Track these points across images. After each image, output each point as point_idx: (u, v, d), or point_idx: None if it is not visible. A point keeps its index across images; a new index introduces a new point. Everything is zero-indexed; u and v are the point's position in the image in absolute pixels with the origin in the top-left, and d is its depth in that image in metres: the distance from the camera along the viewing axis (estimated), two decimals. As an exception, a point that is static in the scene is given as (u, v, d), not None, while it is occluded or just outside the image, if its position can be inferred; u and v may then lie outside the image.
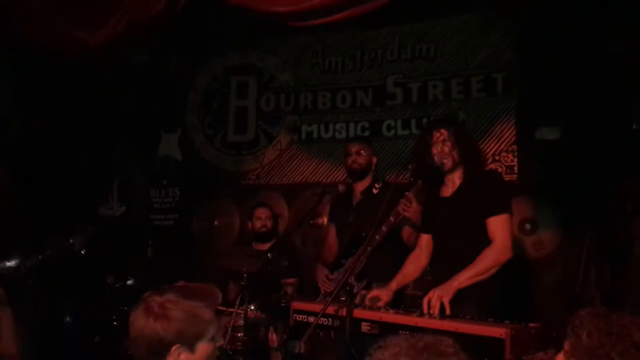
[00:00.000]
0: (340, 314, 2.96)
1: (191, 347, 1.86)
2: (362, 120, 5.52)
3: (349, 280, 3.10)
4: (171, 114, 6.32)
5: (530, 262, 4.62)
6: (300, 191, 5.63)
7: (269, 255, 4.12)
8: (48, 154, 5.83)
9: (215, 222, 5.95)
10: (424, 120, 5.17)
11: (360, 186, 4.09)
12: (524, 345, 2.51)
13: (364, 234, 3.60)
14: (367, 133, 5.41)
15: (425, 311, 2.93)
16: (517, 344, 2.48)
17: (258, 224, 4.93)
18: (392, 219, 3.47)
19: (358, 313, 2.95)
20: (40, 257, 4.21)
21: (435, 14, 5.17)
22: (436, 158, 3.24)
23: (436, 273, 3.29)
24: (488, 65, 5.00)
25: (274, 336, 4.16)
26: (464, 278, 3.02)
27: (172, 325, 1.83)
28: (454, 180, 3.30)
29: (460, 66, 5.13)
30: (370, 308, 3.10)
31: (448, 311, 2.91)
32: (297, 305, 3.28)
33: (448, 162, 3.24)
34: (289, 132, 5.84)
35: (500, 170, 4.77)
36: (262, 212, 4.96)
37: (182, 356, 1.85)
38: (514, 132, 4.88)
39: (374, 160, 4.14)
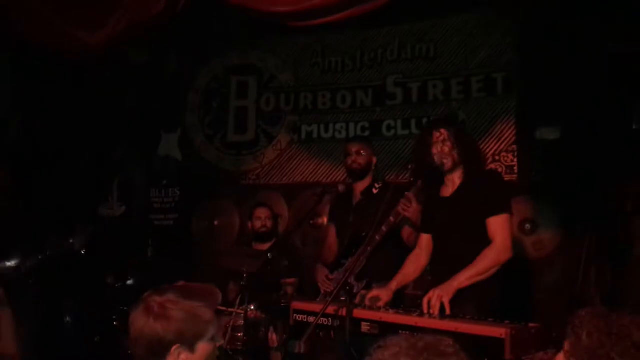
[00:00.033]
0: (340, 314, 2.96)
1: (191, 347, 1.86)
2: (362, 120, 5.52)
3: (349, 280, 3.10)
4: (171, 114, 6.32)
5: (530, 262, 4.62)
6: (300, 191, 5.63)
7: (269, 255, 4.12)
8: (48, 154, 5.82)
9: (215, 222, 5.95)
10: (424, 120, 5.17)
11: (360, 186, 4.09)
12: (524, 345, 2.51)
13: (364, 234, 3.60)
14: (367, 133, 5.41)
15: (425, 311, 2.93)
16: (517, 344, 2.47)
17: (258, 224, 4.93)
18: (392, 219, 3.47)
19: (358, 313, 2.95)
20: (40, 257, 4.21)
21: (435, 14, 5.17)
22: (436, 158, 3.24)
23: (436, 273, 3.29)
24: (488, 65, 5.00)
25: (274, 336, 4.16)
26: (463, 278, 3.02)
27: (172, 325, 1.83)
28: (454, 180, 3.30)
29: (460, 66, 5.13)
30: (370, 308, 3.10)
31: (448, 311, 2.91)
32: (297, 305, 3.28)
33: (448, 162, 3.24)
34: (289, 132, 5.84)
35: (500, 170, 4.77)
36: (262, 212, 4.96)
37: (182, 356, 1.85)
38: (514, 132, 4.88)
39: (374, 160, 4.14)
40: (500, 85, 4.94)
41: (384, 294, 3.28)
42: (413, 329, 2.69)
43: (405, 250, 3.62)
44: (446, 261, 3.21)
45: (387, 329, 2.78)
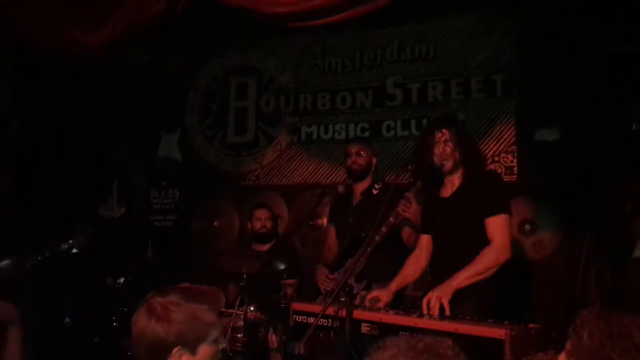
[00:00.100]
0: (340, 315, 2.96)
1: (193, 350, 1.86)
2: (362, 121, 5.52)
3: (349, 282, 3.10)
4: (171, 115, 6.32)
5: (530, 263, 4.62)
6: (300, 192, 5.62)
7: (269, 258, 4.12)
8: (48, 154, 5.82)
9: (215, 223, 5.95)
10: (424, 121, 5.17)
11: (360, 187, 4.09)
12: (524, 346, 2.51)
13: (364, 235, 3.60)
14: (367, 134, 5.42)
15: (425, 312, 2.93)
16: (517, 345, 2.48)
17: (258, 225, 4.92)
18: (392, 220, 3.47)
19: (358, 314, 2.95)
20: (40, 257, 4.21)
21: (435, 15, 5.17)
22: (437, 159, 3.24)
23: (436, 274, 3.29)
24: (488, 67, 5.00)
25: (274, 337, 4.15)
26: (463, 278, 3.02)
27: (174, 328, 1.83)
28: (454, 181, 3.30)
29: (460, 67, 5.13)
30: (370, 309, 3.10)
31: (448, 312, 2.91)
32: (297, 306, 3.28)
33: (449, 164, 3.24)
34: (289, 133, 5.84)
35: (500, 171, 4.77)
36: (262, 213, 4.96)
37: (183, 358, 1.85)
38: (513, 133, 4.88)
39: (374, 161, 4.14)
40: (500, 87, 4.94)
41: (384, 295, 3.28)
42: (413, 330, 2.69)
43: (405, 251, 3.62)
44: (446, 262, 3.21)
45: (387, 330, 2.78)
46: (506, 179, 4.65)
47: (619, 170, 4.18)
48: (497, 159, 4.89)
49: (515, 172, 4.84)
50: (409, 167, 3.49)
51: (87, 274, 5.28)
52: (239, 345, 4.04)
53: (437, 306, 2.92)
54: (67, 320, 5.21)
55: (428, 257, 3.41)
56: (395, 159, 5.28)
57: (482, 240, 3.11)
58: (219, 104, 6.16)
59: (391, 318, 2.87)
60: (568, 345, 1.83)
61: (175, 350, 1.84)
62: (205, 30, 5.38)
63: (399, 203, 3.45)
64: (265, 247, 4.86)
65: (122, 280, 5.22)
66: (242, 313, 4.02)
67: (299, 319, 3.22)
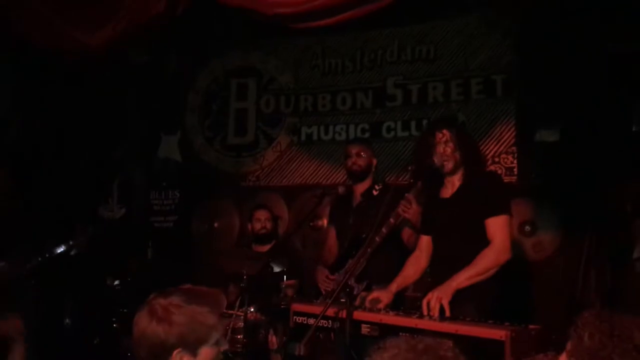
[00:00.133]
0: (340, 316, 2.96)
1: (193, 352, 1.85)
2: (362, 121, 5.52)
3: (349, 282, 3.10)
4: (171, 115, 6.32)
5: (530, 263, 4.62)
6: (300, 193, 5.62)
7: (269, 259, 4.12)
8: (48, 154, 5.82)
9: (215, 224, 5.95)
10: (424, 122, 5.18)
11: (360, 188, 4.09)
12: (524, 347, 2.51)
13: (364, 235, 3.60)
14: (367, 135, 5.42)
15: (425, 313, 2.93)
16: (517, 346, 2.48)
17: (258, 225, 4.92)
18: (392, 220, 3.47)
19: (358, 315, 2.95)
20: (40, 257, 4.21)
21: (435, 15, 5.17)
22: (438, 159, 3.24)
23: (436, 274, 3.29)
24: (488, 67, 5.00)
25: (274, 338, 4.15)
26: (462, 278, 3.02)
27: (174, 329, 1.83)
28: (454, 182, 3.30)
29: (460, 68, 5.13)
30: (371, 310, 3.10)
31: (448, 313, 2.91)
32: (297, 307, 3.28)
33: (449, 164, 3.24)
34: (288, 133, 5.84)
35: (500, 172, 4.77)
36: (261, 214, 4.96)
37: (184, 360, 1.85)
38: (513, 134, 4.88)
39: (374, 161, 4.14)
40: (500, 87, 4.94)
41: (384, 295, 3.28)
42: (413, 331, 2.69)
43: (405, 251, 3.61)
44: (446, 263, 3.21)
45: (387, 331, 2.78)
46: (506, 179, 4.65)
47: (619, 171, 4.18)
48: (497, 159, 4.88)
49: (515, 172, 4.84)
50: (409, 168, 3.49)
51: (87, 274, 5.28)
52: (238, 346, 4.04)
53: (437, 307, 2.92)
54: (67, 320, 5.21)
55: (428, 258, 3.40)
56: (395, 160, 5.28)
57: (482, 241, 3.10)
58: (219, 104, 6.16)
59: (391, 319, 2.87)
60: (568, 346, 1.83)
61: (175, 352, 1.83)
62: (205, 30, 5.38)
63: (399, 204, 3.45)
64: (265, 248, 4.86)
65: (117, 282, 5.22)
66: (242, 314, 4.02)
67: (299, 319, 3.22)
